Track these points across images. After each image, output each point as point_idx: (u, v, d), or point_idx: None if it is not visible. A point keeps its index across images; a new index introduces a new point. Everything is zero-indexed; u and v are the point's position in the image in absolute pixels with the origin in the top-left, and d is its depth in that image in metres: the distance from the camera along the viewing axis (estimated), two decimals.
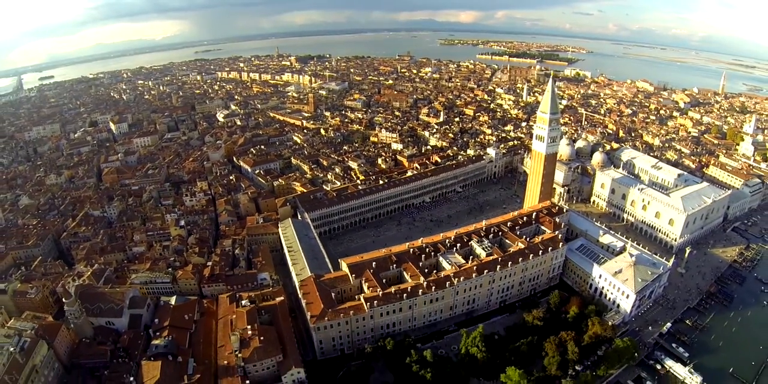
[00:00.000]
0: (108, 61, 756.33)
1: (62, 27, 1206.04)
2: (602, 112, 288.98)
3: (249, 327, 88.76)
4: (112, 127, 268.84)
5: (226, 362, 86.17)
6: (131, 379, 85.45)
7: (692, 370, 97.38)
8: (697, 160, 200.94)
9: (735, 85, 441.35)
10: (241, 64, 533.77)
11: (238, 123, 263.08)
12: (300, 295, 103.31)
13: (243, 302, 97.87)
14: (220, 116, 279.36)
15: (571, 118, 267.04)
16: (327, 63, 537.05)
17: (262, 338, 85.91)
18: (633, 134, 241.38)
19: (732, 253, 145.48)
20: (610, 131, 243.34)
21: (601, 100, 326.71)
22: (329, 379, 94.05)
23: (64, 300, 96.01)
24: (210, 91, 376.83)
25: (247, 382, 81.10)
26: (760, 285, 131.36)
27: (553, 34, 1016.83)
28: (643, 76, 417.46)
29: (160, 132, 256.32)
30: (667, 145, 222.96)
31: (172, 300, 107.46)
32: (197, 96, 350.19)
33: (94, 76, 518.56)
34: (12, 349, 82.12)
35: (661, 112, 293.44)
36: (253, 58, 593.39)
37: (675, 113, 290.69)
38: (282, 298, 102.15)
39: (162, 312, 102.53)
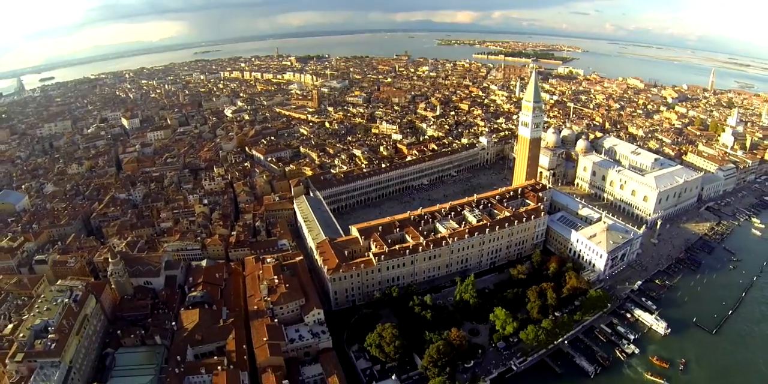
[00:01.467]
0: (107, 63, 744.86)
1: (60, 29, 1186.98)
2: (591, 106, 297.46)
3: (275, 277, 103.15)
4: (124, 122, 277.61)
5: (256, 307, 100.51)
6: (173, 324, 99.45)
7: (658, 317, 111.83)
8: (677, 148, 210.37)
9: (727, 83, 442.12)
10: (243, 64, 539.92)
11: (246, 118, 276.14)
12: (316, 256, 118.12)
13: (268, 260, 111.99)
14: (228, 112, 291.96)
15: (560, 111, 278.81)
16: (327, 63, 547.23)
17: (287, 285, 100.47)
18: (618, 126, 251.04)
19: (703, 228, 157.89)
20: (597, 123, 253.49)
21: (591, 96, 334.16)
22: (343, 325, 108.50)
23: (110, 259, 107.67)
24: (215, 89, 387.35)
25: (276, 320, 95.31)
26: (728, 254, 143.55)
27: (550, 34, 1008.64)
28: (636, 75, 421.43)
29: (172, 126, 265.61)
30: (650, 135, 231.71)
31: (203, 263, 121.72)
32: (203, 94, 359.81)
33: (96, 76, 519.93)
34: (66, 300, 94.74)
35: (649, 106, 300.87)
36: (253, 59, 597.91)
37: (662, 108, 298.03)
38: (301, 257, 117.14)
39: (195, 273, 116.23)
